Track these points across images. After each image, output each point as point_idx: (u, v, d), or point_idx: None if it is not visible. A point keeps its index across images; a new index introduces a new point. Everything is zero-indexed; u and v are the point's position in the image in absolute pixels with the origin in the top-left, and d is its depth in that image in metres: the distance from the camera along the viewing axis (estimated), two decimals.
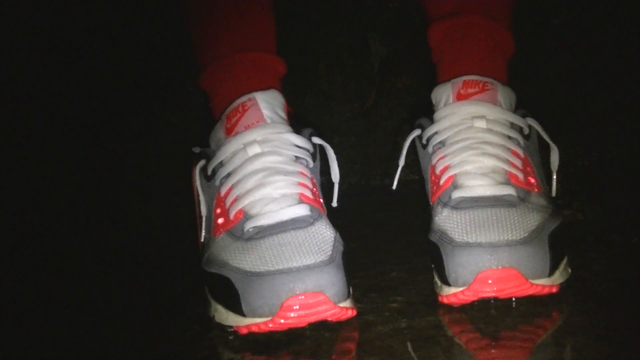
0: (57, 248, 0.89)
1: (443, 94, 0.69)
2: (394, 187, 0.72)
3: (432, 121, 0.69)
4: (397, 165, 0.72)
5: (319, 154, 0.70)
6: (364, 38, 1.08)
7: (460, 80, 0.69)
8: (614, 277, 0.68)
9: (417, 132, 0.71)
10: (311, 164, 0.68)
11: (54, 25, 1.00)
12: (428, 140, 0.69)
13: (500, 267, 0.59)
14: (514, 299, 0.62)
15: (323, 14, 1.07)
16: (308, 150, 0.68)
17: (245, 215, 0.64)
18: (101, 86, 1.03)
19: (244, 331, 0.60)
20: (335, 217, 0.66)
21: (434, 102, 0.71)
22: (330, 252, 0.60)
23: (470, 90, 0.68)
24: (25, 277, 0.81)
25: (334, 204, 0.70)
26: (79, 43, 1.02)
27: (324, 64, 1.07)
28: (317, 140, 0.69)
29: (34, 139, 1.00)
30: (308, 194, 0.65)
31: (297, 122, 0.70)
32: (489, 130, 0.66)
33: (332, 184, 0.70)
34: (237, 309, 0.59)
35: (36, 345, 0.65)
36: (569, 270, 0.64)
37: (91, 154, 1.03)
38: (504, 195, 0.63)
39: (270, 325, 0.58)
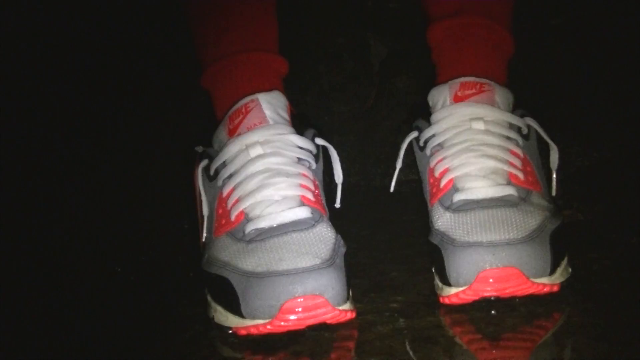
0: (57, 248, 0.89)
1: (440, 96, 0.69)
2: (392, 189, 0.72)
3: (429, 123, 0.69)
4: (396, 167, 0.72)
5: (322, 155, 0.70)
6: (364, 38, 1.08)
7: (457, 82, 0.68)
8: (614, 277, 0.68)
9: (414, 134, 0.70)
10: (314, 165, 0.68)
11: (55, 24, 1.00)
12: (426, 142, 0.69)
13: (501, 266, 0.59)
14: (517, 299, 0.62)
15: (323, 14, 1.07)
16: (311, 152, 0.68)
17: (247, 217, 0.64)
18: (103, 86, 1.03)
19: (243, 332, 0.60)
20: (335, 218, 0.66)
21: (430, 104, 0.71)
22: (331, 255, 0.60)
23: (468, 92, 0.68)
24: (25, 277, 0.81)
25: (337, 205, 0.70)
26: (81, 42, 1.02)
27: (324, 64, 1.07)
28: (320, 141, 0.69)
29: (34, 138, 1.00)
30: (309, 195, 0.65)
31: (300, 122, 0.70)
32: (487, 132, 0.66)
33: (335, 185, 0.70)
34: (237, 311, 0.59)
35: (36, 345, 0.65)
36: (570, 270, 0.64)
37: (92, 153, 1.03)
38: (505, 196, 0.63)
39: (269, 327, 0.58)
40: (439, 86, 0.70)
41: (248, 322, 0.59)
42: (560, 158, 0.70)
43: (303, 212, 0.63)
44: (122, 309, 0.72)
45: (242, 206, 0.64)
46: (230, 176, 0.66)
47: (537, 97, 1.00)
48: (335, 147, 0.69)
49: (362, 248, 0.81)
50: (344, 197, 0.71)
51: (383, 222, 0.92)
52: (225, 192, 0.66)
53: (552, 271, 0.61)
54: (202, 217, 0.68)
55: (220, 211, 0.66)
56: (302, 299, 0.57)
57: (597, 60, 1.01)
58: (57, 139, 1.01)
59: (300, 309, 0.58)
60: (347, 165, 1.05)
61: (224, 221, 0.65)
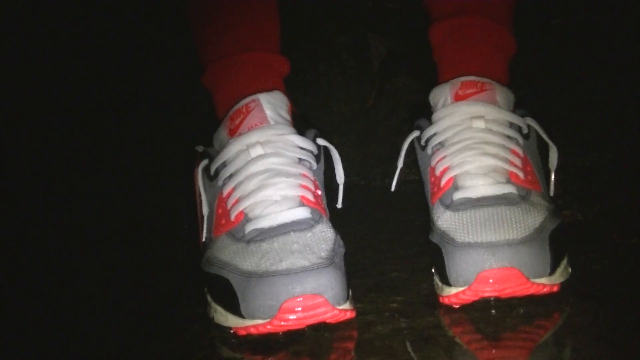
0: (57, 248, 0.89)
1: (441, 95, 0.69)
2: (393, 188, 0.72)
3: (430, 122, 0.69)
4: (397, 167, 0.72)
5: (323, 156, 0.70)
6: (364, 38, 1.08)
7: (458, 81, 0.69)
8: (614, 277, 0.68)
9: (415, 134, 0.71)
10: (314, 165, 0.68)
11: (56, 23, 1.00)
12: (427, 141, 0.69)
13: (501, 267, 0.59)
14: (515, 299, 0.62)
15: (323, 14, 1.07)
16: (312, 152, 0.68)
17: (246, 217, 0.64)
18: (103, 85, 1.03)
19: (243, 333, 0.60)
20: (335, 218, 0.66)
21: (432, 103, 0.71)
22: (330, 255, 0.60)
23: (469, 91, 0.68)
24: (25, 277, 0.81)
25: (339, 205, 0.70)
26: (81, 41, 1.02)
27: (324, 64, 1.07)
28: (321, 141, 0.69)
29: (34, 138, 1.00)
30: (309, 196, 0.65)
31: (302, 123, 0.70)
32: (488, 130, 0.66)
33: (337, 185, 0.70)
34: (236, 311, 0.59)
35: (36, 345, 0.65)
36: (569, 270, 0.64)
37: (91, 152, 1.03)
38: (505, 194, 0.63)
39: (269, 327, 0.58)
40: (440, 85, 0.70)
41: (248, 322, 0.59)
42: (560, 158, 0.70)
43: (303, 213, 0.63)
44: (122, 309, 0.72)
45: (242, 206, 0.64)
46: (231, 176, 0.66)
47: (537, 97, 1.00)
48: (335, 147, 0.69)
49: (362, 248, 0.81)
50: (344, 196, 0.71)
51: (383, 222, 0.92)
52: (226, 192, 0.66)
53: (552, 271, 0.61)
54: (202, 217, 0.68)
55: (220, 211, 0.66)
56: (301, 299, 0.57)
57: (598, 60, 1.01)
58: (56, 138, 1.01)
59: (299, 309, 0.58)
60: (347, 165, 1.04)
61: (223, 221, 0.65)
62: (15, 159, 0.98)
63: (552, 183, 0.70)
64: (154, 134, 1.04)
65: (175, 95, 1.05)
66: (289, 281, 0.57)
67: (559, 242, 0.62)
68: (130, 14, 1.01)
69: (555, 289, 0.61)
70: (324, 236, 0.61)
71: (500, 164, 0.65)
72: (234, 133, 0.67)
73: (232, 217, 0.64)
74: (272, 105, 0.68)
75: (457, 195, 0.64)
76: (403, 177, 0.72)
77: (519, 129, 0.68)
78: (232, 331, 0.61)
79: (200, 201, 0.69)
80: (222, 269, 0.61)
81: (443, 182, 0.66)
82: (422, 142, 0.70)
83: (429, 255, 0.66)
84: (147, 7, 1.01)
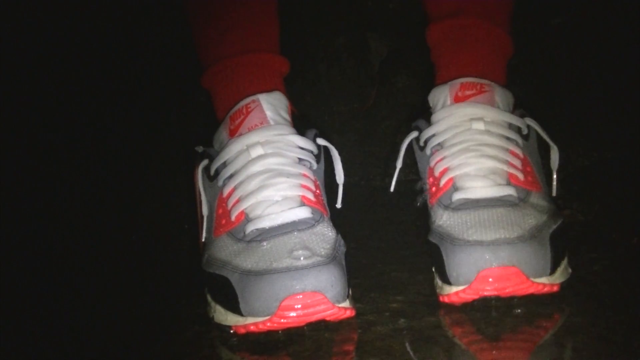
0: (57, 248, 0.89)
1: (440, 96, 0.69)
2: (392, 188, 0.72)
3: (429, 123, 0.69)
4: (396, 167, 0.72)
5: (323, 155, 0.70)
6: (364, 38, 1.08)
7: (457, 83, 0.69)
8: (614, 277, 0.68)
9: (414, 134, 0.71)
10: (315, 165, 0.68)
11: (57, 23, 1.00)
12: (426, 142, 0.69)
13: (501, 266, 0.59)
14: (517, 299, 0.62)
15: (323, 14, 1.08)
16: (312, 152, 0.68)
17: (247, 217, 0.64)
18: (103, 85, 1.03)
19: (242, 331, 0.60)
20: (335, 218, 0.66)
21: (431, 104, 0.71)
22: (331, 253, 0.60)
23: (468, 92, 0.68)
24: (25, 277, 0.81)
25: (338, 205, 0.70)
26: (82, 42, 1.02)
27: (324, 64, 1.07)
28: (321, 141, 0.69)
29: (34, 138, 1.00)
30: (310, 196, 0.65)
31: (302, 123, 0.70)
32: (487, 132, 0.66)
33: (336, 185, 0.70)
34: (236, 309, 0.59)
35: (36, 345, 0.65)
36: (570, 271, 0.64)
37: (92, 152, 1.03)
38: (504, 196, 0.63)
39: (269, 325, 0.58)
40: (440, 86, 0.70)
41: (247, 320, 0.59)
42: (560, 158, 0.70)
43: (303, 212, 0.63)
44: (122, 309, 0.72)
45: (243, 206, 0.64)
46: (231, 176, 0.66)
47: (537, 97, 1.00)
48: (335, 147, 0.69)
49: (362, 248, 0.81)
50: (344, 196, 0.71)
51: (383, 222, 0.92)
52: (226, 192, 0.66)
53: (552, 271, 0.61)
54: (202, 217, 0.68)
55: (220, 211, 0.66)
56: (301, 296, 0.57)
57: (597, 60, 1.01)
58: (56, 138, 1.01)
59: (299, 306, 0.58)
60: (347, 165, 1.04)
61: (224, 221, 0.65)
62: (15, 159, 0.98)
63: (554, 183, 0.70)
64: (154, 134, 1.04)
65: (175, 95, 1.05)
66: (289, 278, 0.57)
67: (560, 243, 0.62)
68: (131, 14, 1.01)
69: (555, 289, 0.61)
70: (325, 235, 0.61)
71: (499, 165, 0.65)
72: (234, 133, 0.68)
73: (233, 217, 0.64)
74: (272, 105, 0.68)
75: (457, 196, 0.64)
76: (403, 177, 0.72)
77: (518, 130, 0.68)
78: (232, 330, 0.61)
79: (200, 201, 0.69)
80: (222, 268, 0.61)
81: (442, 182, 0.66)
82: (421, 143, 0.70)
83: (429, 255, 0.66)
84: (147, 8, 1.01)
